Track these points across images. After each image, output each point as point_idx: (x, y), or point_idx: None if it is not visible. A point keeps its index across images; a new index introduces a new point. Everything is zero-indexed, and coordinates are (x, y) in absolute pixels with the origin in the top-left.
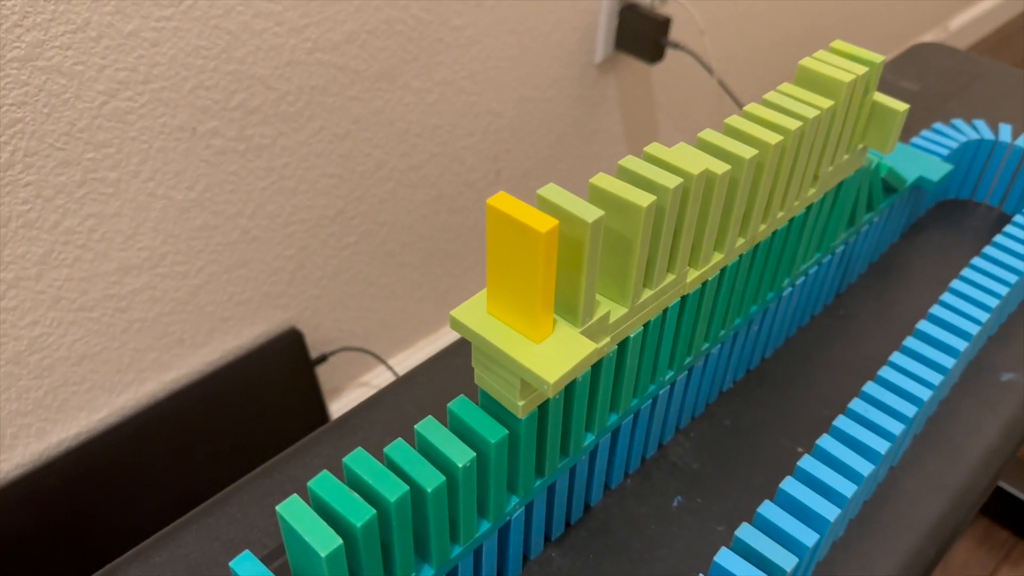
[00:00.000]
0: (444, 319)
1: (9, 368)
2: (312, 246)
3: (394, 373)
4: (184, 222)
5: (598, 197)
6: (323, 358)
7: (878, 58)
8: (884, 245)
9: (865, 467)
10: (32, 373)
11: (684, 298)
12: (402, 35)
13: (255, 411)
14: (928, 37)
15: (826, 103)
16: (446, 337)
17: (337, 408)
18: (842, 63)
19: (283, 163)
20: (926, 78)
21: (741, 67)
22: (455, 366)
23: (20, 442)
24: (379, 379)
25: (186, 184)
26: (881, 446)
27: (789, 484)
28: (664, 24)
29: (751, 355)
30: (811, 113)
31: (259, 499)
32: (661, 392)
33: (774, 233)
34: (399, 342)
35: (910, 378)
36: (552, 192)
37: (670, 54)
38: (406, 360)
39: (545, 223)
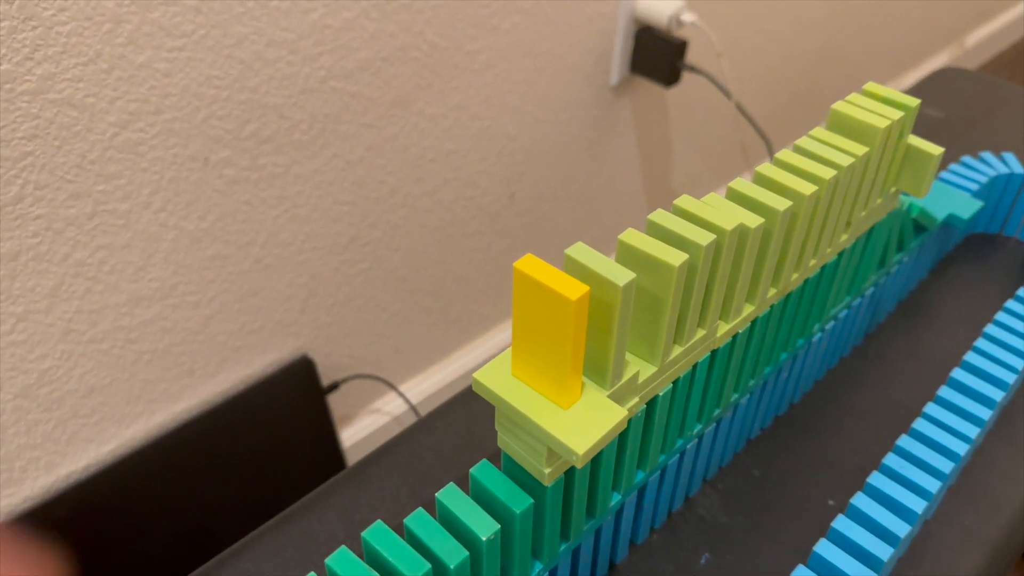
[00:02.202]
0: (457, 345)
1: (18, 402)
2: (324, 273)
3: (406, 400)
4: (195, 252)
5: (627, 255)
6: (335, 386)
7: (913, 101)
8: (913, 283)
9: (901, 528)
10: (41, 406)
11: (714, 352)
12: (417, 61)
13: (266, 440)
14: (944, 54)
15: (861, 149)
16: (458, 363)
17: (348, 436)
18: (876, 107)
19: (296, 191)
20: (950, 105)
21: (757, 87)
22: (473, 411)
23: (29, 475)
24: (390, 406)
25: (198, 214)
26: (918, 505)
27: (823, 547)
28: (680, 47)
29: (780, 402)
30: (846, 161)
31: (273, 554)
32: (689, 446)
33: (805, 281)
34: (411, 369)
35: (945, 431)
36: (581, 252)
37: (686, 77)
38: (418, 387)
39: (575, 289)
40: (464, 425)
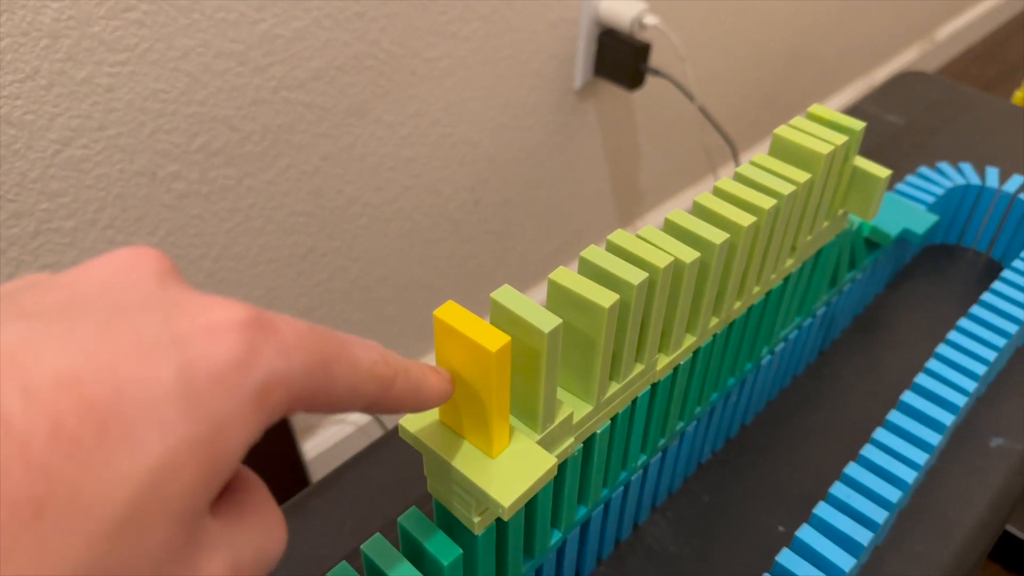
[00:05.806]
0: (421, 352)
1: None
2: (282, 285)
3: None
4: None
5: (558, 294)
6: None
7: (858, 124)
8: (869, 297)
9: (847, 561)
10: None
11: (655, 384)
12: (372, 70)
13: None
14: (914, 49)
15: (803, 176)
16: None
17: (310, 447)
18: (819, 131)
19: (249, 204)
20: (912, 111)
21: (722, 88)
22: None
23: None
24: (354, 415)
25: (147, 229)
26: (864, 537)
27: None
28: (643, 50)
29: (730, 425)
30: (787, 189)
31: None
32: (634, 477)
33: (750, 308)
34: None
35: (894, 457)
36: (506, 296)
37: (650, 80)
38: None
39: (496, 340)
40: (411, 455)
